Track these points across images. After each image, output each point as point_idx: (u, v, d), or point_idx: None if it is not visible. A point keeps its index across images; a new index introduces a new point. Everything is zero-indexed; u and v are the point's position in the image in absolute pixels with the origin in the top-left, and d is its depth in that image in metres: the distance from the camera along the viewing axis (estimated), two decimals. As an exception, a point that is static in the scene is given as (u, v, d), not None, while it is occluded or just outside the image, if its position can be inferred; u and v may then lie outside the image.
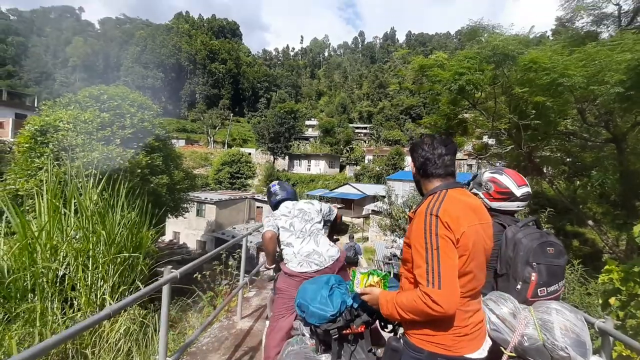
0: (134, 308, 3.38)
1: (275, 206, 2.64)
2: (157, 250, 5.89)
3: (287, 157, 48.72)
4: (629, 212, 7.73)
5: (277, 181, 2.85)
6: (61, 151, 7.52)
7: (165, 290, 1.86)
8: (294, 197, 2.72)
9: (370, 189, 29.45)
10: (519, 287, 1.59)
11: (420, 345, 1.24)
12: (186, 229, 23.14)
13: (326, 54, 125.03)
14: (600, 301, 2.94)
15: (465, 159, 30.86)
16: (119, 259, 3.60)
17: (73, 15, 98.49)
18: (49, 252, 3.29)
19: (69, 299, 3.23)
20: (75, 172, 4.75)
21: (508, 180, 1.85)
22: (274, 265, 2.57)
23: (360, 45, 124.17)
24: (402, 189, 15.82)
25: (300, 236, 2.35)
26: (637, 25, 7.77)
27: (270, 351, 2.18)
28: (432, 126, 10.20)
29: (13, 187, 7.33)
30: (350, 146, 53.32)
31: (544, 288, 1.58)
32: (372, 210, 22.63)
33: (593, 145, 8.42)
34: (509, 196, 1.83)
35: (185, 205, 13.12)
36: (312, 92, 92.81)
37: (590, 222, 8.33)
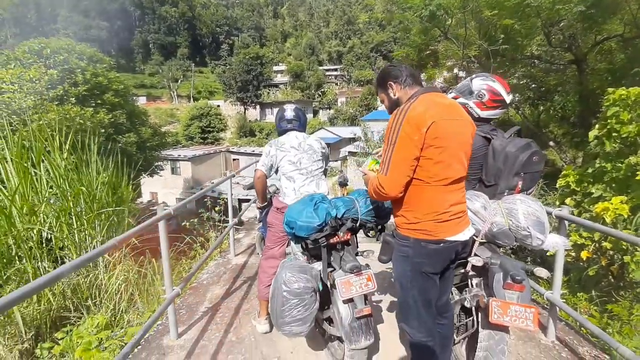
0: (129, 260, 3.47)
1: (282, 133, 2.49)
2: (139, 210, 5.85)
3: (258, 107, 47.02)
4: (585, 130, 8.27)
5: (294, 106, 2.59)
6: (12, 115, 6.92)
7: (162, 225, 1.95)
8: (304, 128, 2.56)
9: (346, 131, 29.40)
10: (506, 194, 1.75)
11: (407, 234, 1.42)
12: (163, 189, 22.80)
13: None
14: (558, 203, 3.27)
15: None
16: (103, 215, 3.60)
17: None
18: (27, 214, 3.22)
19: (59, 258, 3.26)
20: (35, 136, 4.45)
21: (500, 87, 1.84)
22: (266, 203, 2.58)
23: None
24: (377, 129, 15.96)
25: (305, 174, 2.29)
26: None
27: (264, 275, 2.33)
28: (404, 58, 10.03)
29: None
30: (322, 90, 51.92)
31: (524, 192, 1.77)
32: (349, 152, 22.95)
33: (557, 68, 8.66)
34: (501, 104, 1.84)
35: (158, 163, 12.80)
36: (277, 34, 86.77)
37: (551, 144, 8.90)
